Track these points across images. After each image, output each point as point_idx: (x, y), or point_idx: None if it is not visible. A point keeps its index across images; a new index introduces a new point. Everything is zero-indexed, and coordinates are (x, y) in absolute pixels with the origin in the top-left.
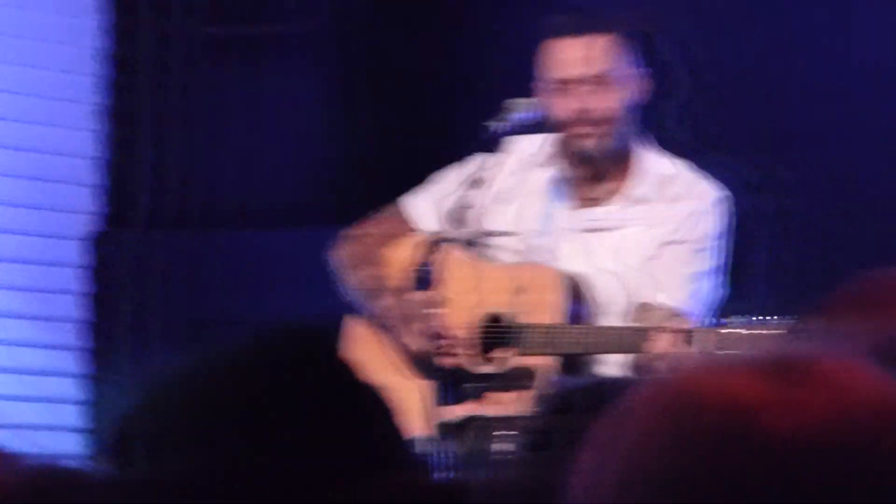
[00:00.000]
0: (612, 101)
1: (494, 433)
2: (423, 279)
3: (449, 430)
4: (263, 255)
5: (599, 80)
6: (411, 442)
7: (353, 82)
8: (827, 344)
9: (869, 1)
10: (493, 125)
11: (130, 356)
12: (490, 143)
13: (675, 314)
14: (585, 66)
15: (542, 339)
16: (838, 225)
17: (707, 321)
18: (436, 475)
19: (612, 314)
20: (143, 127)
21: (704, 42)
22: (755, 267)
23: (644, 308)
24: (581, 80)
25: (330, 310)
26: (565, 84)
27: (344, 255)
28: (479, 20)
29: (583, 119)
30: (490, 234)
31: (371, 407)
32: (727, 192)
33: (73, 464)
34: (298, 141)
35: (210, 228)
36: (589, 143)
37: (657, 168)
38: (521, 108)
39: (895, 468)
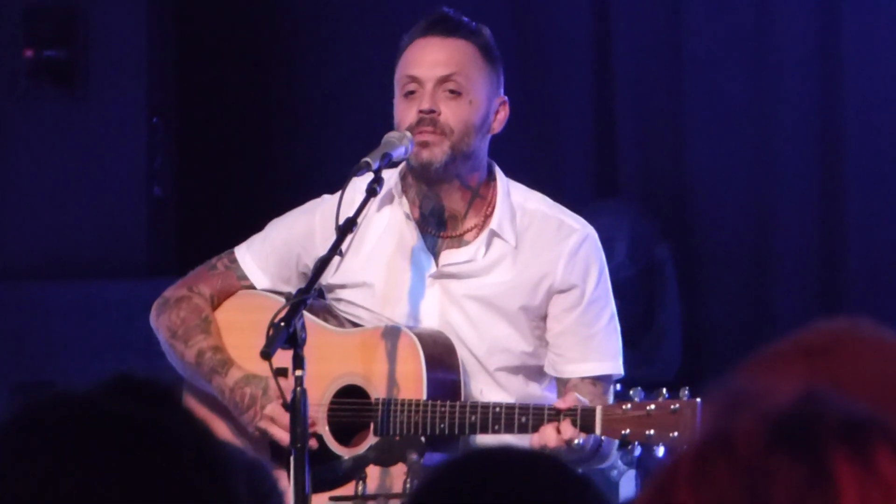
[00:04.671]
0: (463, 112)
1: None
2: (270, 347)
3: None
4: (74, 310)
5: (454, 86)
6: None
7: (173, 111)
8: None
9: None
10: (365, 162)
11: None
12: (348, 183)
13: (584, 381)
14: (444, 67)
15: (409, 418)
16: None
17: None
18: None
19: (481, 378)
20: None
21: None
22: (660, 321)
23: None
24: (434, 80)
25: (155, 372)
26: (417, 82)
27: (168, 321)
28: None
29: (426, 122)
30: (340, 288)
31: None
32: (591, 228)
33: None
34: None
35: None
36: (429, 153)
37: (518, 200)
38: (396, 142)
39: None
